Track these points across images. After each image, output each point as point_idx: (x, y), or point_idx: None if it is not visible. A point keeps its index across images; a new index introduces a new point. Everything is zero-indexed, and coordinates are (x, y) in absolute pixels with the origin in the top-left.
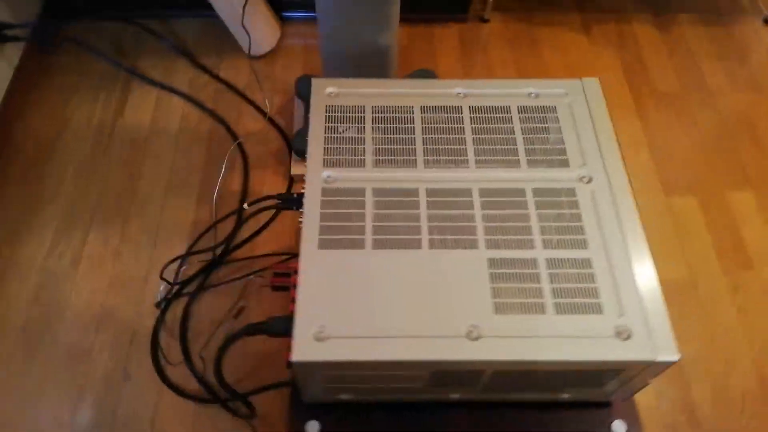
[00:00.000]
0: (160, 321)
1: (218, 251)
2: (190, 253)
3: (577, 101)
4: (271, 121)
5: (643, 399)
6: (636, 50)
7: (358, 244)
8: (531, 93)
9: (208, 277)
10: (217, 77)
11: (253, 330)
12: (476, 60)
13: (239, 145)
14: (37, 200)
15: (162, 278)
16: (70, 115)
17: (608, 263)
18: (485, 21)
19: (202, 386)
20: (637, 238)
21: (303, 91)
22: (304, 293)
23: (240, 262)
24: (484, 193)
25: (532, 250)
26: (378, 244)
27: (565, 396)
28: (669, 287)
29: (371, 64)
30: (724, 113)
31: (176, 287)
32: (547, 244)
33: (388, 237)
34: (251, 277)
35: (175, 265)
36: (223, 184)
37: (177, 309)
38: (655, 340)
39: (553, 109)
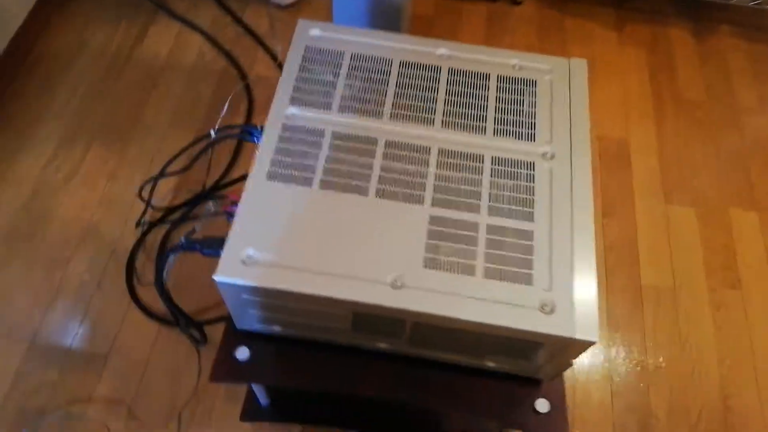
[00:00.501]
0: (139, 241)
1: (208, 184)
2: (162, 174)
3: (560, 79)
4: (281, 68)
5: (597, 395)
6: (667, 55)
7: (306, 181)
8: (515, 64)
9: (194, 207)
10: (239, 20)
11: (186, 246)
12: (500, 42)
13: (247, 87)
14: (45, 113)
15: (140, 197)
16: (90, 38)
17: (550, 239)
18: (517, 3)
19: (168, 309)
20: (585, 221)
21: None
22: (243, 216)
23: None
24: (443, 153)
25: (476, 214)
26: (326, 185)
27: (491, 364)
28: (649, 293)
29: (381, 21)
30: (746, 132)
31: (160, 212)
32: (493, 211)
33: (337, 179)
34: (209, 203)
35: (165, 189)
36: (224, 121)
37: (159, 234)
38: (577, 319)
39: (533, 83)
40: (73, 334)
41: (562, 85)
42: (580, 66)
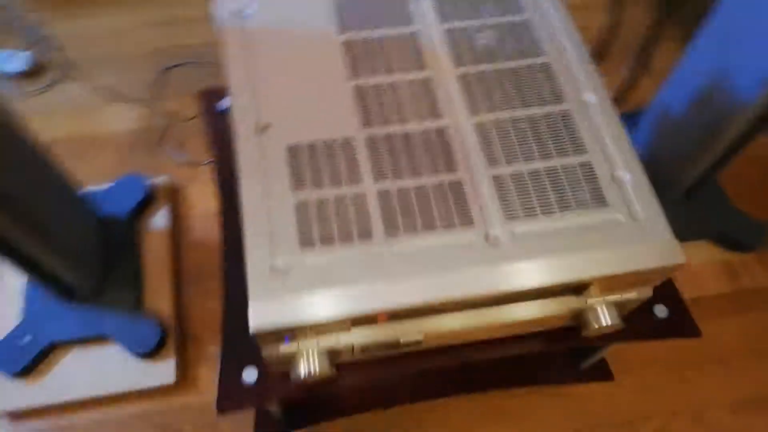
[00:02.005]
0: None
1: None
2: None
3: (622, 234)
4: None
5: None
6: None
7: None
8: (616, 175)
9: None
10: None
11: None
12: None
13: None
14: None
15: None
16: None
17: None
18: None
19: None
20: None
21: None
22: None
23: None
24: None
25: (366, 178)
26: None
27: None
28: None
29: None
30: None
31: None
32: (383, 196)
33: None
34: None
35: None
36: None
37: None
38: None
39: (598, 197)
40: None
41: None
42: (671, 255)
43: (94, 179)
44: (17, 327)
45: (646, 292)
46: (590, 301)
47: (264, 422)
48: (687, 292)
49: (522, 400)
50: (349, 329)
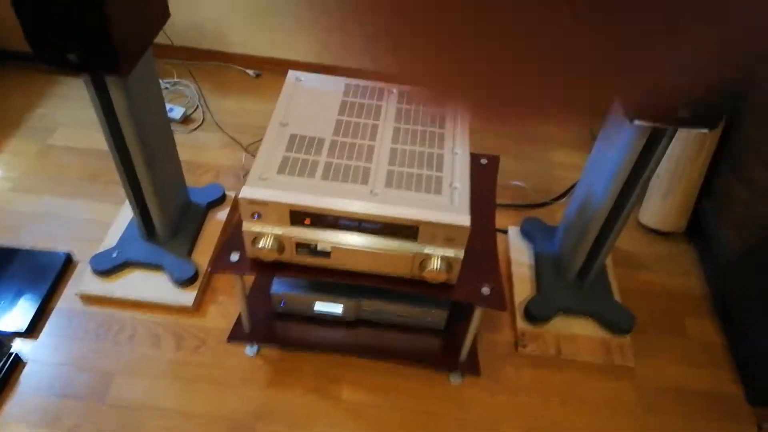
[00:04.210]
0: None
1: None
2: None
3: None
4: None
5: None
6: None
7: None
8: (453, 184)
9: None
10: None
11: None
12: None
13: None
14: None
15: None
16: None
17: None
18: None
19: None
20: None
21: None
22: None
23: None
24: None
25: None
26: (350, 90)
27: None
28: None
29: (579, 223)
30: None
31: None
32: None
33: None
34: None
35: None
36: None
37: None
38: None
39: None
40: None
41: None
42: (460, 221)
43: (196, 183)
44: (113, 246)
45: (459, 253)
46: (425, 249)
47: (236, 334)
48: (565, 353)
49: (417, 386)
50: (289, 225)
